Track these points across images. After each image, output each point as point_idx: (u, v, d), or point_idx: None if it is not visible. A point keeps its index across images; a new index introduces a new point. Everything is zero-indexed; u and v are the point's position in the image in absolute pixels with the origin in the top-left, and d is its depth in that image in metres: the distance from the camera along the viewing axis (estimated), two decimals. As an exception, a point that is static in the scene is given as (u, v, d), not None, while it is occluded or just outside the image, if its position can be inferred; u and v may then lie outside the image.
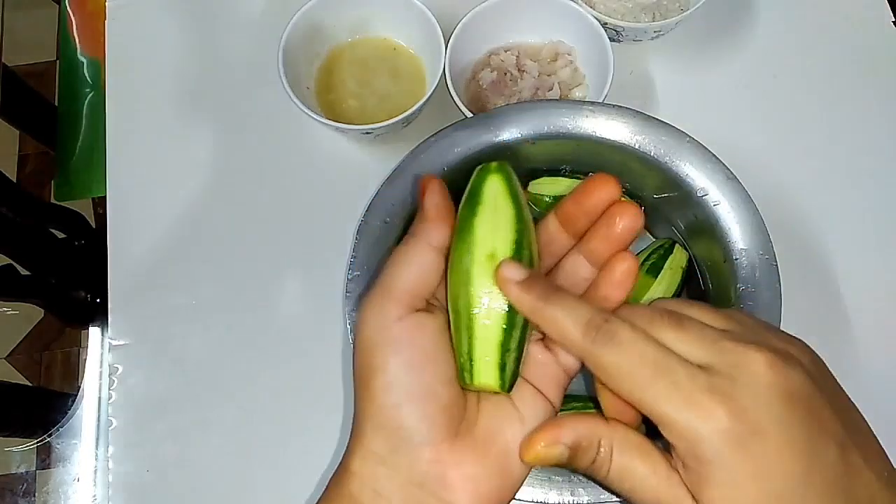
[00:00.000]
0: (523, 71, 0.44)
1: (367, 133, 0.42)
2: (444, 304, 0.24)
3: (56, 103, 0.50)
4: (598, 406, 0.36)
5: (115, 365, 0.41)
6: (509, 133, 0.36)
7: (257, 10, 0.49)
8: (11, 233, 0.56)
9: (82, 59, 0.50)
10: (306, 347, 0.42)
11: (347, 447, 0.23)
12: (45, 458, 0.50)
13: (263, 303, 0.42)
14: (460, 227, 0.23)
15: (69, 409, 0.44)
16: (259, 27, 0.49)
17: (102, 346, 0.43)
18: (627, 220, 0.24)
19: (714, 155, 0.36)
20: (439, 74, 0.41)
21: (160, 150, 0.46)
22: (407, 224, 0.35)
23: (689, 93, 0.47)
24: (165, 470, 0.40)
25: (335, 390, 0.40)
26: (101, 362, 0.43)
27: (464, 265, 0.23)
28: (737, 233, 0.35)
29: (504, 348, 0.22)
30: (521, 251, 0.23)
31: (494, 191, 0.23)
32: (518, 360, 0.23)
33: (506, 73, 0.44)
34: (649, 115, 0.36)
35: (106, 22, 0.49)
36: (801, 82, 0.47)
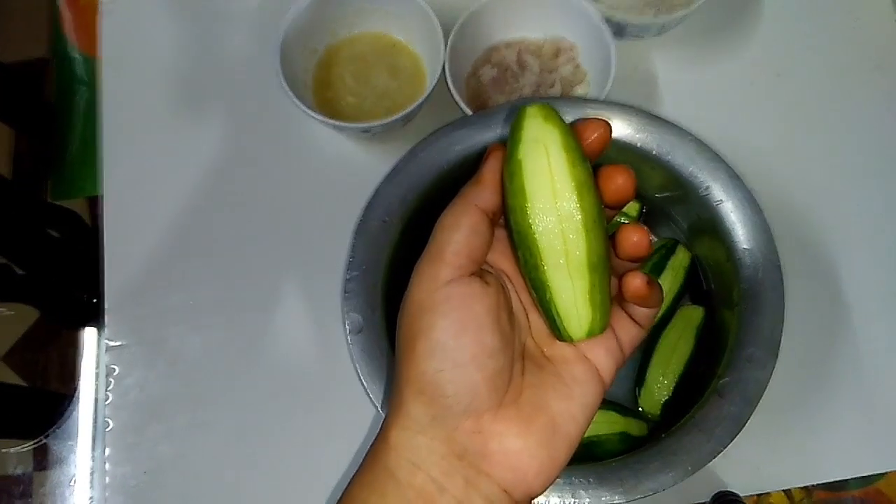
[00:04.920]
0: (524, 67, 0.44)
1: (366, 131, 0.41)
2: (496, 269, 0.24)
3: (50, 100, 0.49)
4: (612, 409, 0.36)
5: (112, 366, 0.41)
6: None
7: (254, 5, 0.49)
8: (7, 232, 0.55)
9: (76, 55, 0.50)
10: (304, 348, 0.41)
11: (386, 417, 0.22)
12: (42, 459, 0.50)
13: (261, 303, 0.42)
14: (513, 179, 0.22)
15: (65, 411, 0.43)
16: (256, 22, 0.48)
17: (99, 346, 0.43)
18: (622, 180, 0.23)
19: (717, 153, 0.35)
20: (439, 71, 0.41)
21: (155, 148, 0.46)
22: (406, 223, 0.35)
23: (693, 90, 0.46)
24: (162, 471, 0.39)
25: (333, 391, 0.40)
26: (98, 363, 0.43)
27: (528, 218, 0.22)
28: (740, 232, 0.34)
29: (593, 291, 0.22)
30: (583, 192, 0.21)
31: (537, 134, 0.22)
32: (607, 293, 0.22)
33: (507, 70, 0.44)
34: (652, 113, 0.36)
35: (99, 17, 0.48)
36: (805, 80, 0.47)
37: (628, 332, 0.24)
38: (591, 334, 0.22)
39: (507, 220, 0.23)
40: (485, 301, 0.21)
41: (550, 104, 0.22)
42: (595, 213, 0.22)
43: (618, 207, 0.23)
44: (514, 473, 0.21)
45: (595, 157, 0.23)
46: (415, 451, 0.21)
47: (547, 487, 0.22)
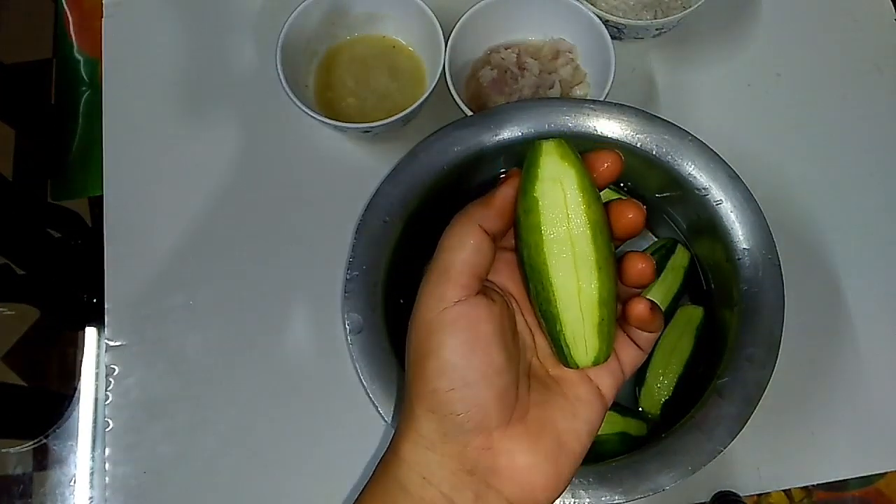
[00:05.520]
0: (524, 69, 0.44)
1: (367, 132, 0.41)
2: (501, 290, 0.24)
3: (52, 101, 0.50)
4: (612, 409, 0.36)
5: (112, 366, 0.41)
6: (510, 132, 0.36)
7: (255, 8, 0.49)
8: (8, 232, 0.55)
9: (79, 57, 0.50)
10: (304, 348, 0.41)
11: (397, 430, 0.23)
12: (42, 459, 0.50)
13: (261, 303, 0.42)
14: (528, 211, 0.22)
15: (66, 411, 0.43)
16: (257, 25, 0.48)
17: (99, 346, 0.43)
18: (632, 214, 0.24)
19: (716, 154, 0.35)
20: (439, 72, 0.41)
21: (157, 149, 0.46)
22: (407, 223, 0.35)
23: (691, 91, 0.46)
24: (162, 471, 0.39)
25: (332, 390, 0.40)
26: (98, 363, 0.43)
27: (543, 251, 0.22)
28: (739, 232, 0.35)
29: (602, 324, 0.22)
30: (597, 231, 0.22)
31: (555, 170, 0.22)
32: (613, 324, 0.23)
33: (506, 71, 0.44)
34: (651, 114, 0.36)
35: (102, 20, 0.49)
36: (803, 80, 0.47)
37: (629, 355, 0.25)
38: (596, 363, 0.23)
39: (518, 250, 0.24)
40: (492, 320, 0.22)
41: (566, 140, 0.23)
42: (607, 251, 0.22)
43: (626, 239, 0.24)
44: (523, 488, 0.22)
45: (605, 185, 0.24)
46: (426, 466, 0.22)
47: (553, 502, 0.22)
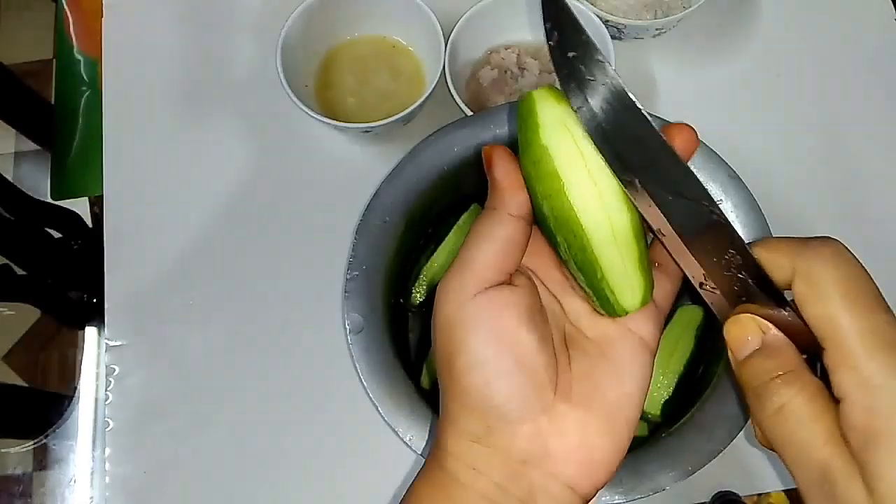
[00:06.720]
0: (524, 69, 0.44)
1: (367, 131, 0.42)
2: (523, 268, 0.23)
3: (52, 101, 0.50)
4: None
5: (112, 366, 0.41)
6: (510, 131, 0.36)
7: (256, 7, 0.49)
8: (7, 232, 0.55)
9: (79, 56, 0.50)
10: (305, 348, 0.41)
11: (439, 426, 0.22)
12: (42, 459, 0.50)
13: (261, 303, 0.42)
14: (536, 161, 0.21)
15: (66, 411, 0.43)
16: (257, 25, 0.48)
17: (99, 346, 0.43)
18: (682, 140, 0.23)
19: (716, 153, 0.35)
20: (439, 72, 0.41)
21: (157, 149, 0.46)
22: (407, 223, 0.35)
23: (691, 91, 0.46)
24: (163, 471, 0.39)
25: (334, 390, 0.40)
26: (98, 363, 0.43)
27: (564, 196, 0.21)
28: (739, 232, 0.34)
29: (642, 259, 0.22)
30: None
31: (555, 118, 0.21)
32: (648, 260, 0.22)
33: (506, 72, 0.44)
34: (651, 113, 0.36)
35: (102, 20, 0.49)
36: (803, 80, 0.47)
37: (660, 291, 0.24)
38: (644, 302, 0.22)
39: (536, 210, 0.23)
40: (518, 305, 0.21)
41: (554, 86, 0.22)
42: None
43: None
44: (580, 468, 0.21)
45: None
46: (475, 458, 0.21)
47: (613, 474, 0.22)
